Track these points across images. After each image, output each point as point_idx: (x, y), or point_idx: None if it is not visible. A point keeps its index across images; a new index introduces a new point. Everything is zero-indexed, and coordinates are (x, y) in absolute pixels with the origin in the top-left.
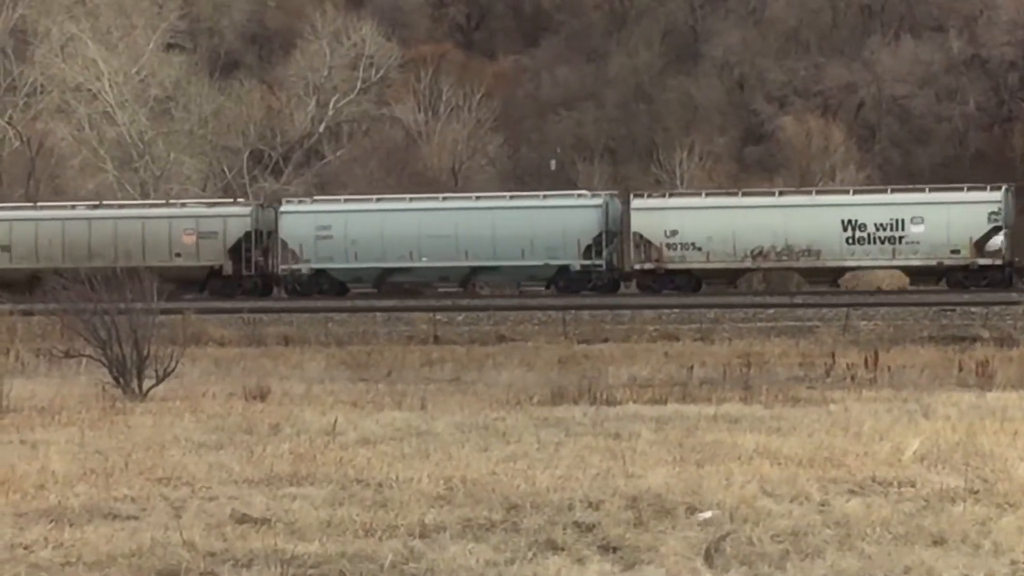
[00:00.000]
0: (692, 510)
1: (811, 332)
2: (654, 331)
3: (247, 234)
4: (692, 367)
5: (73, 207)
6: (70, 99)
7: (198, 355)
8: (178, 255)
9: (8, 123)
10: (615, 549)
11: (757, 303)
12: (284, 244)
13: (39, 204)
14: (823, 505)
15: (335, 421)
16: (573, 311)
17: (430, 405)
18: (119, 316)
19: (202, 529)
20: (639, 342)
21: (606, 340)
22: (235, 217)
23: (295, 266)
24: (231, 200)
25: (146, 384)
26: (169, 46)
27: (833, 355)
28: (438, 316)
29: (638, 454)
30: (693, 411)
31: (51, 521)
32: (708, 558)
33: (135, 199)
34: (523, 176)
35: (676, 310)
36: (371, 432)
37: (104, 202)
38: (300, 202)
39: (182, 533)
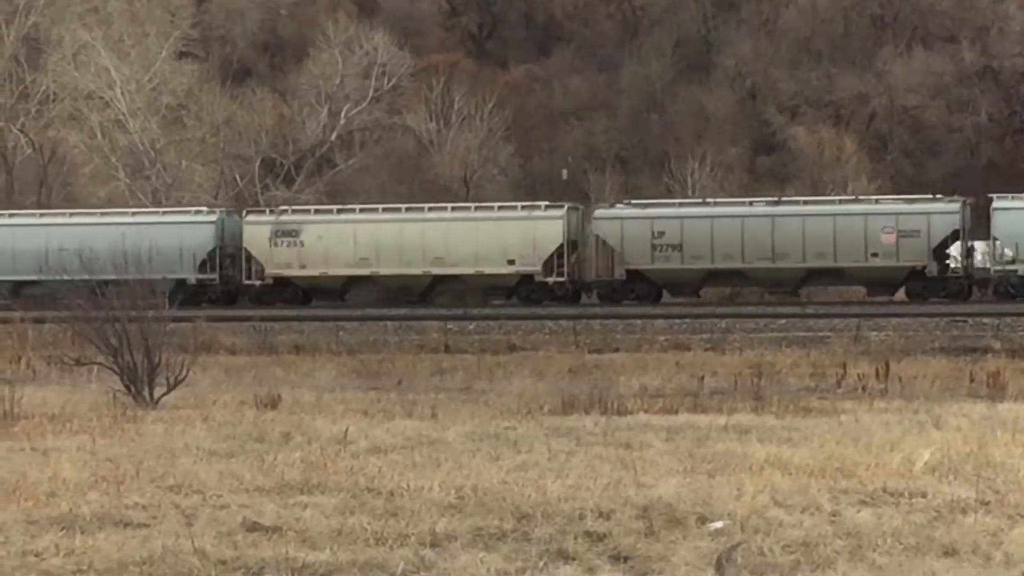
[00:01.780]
0: (703, 520)
1: (822, 342)
2: (665, 341)
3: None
4: (703, 377)
5: (751, 204)
6: (82, 107)
7: (209, 363)
8: (875, 255)
9: (20, 130)
10: (626, 559)
11: (768, 313)
12: None
13: (712, 201)
14: (834, 515)
15: (346, 430)
16: (584, 320)
17: (441, 414)
18: (130, 324)
19: (213, 537)
20: (650, 352)
21: (617, 350)
22: (941, 214)
23: None
24: (930, 197)
25: (157, 392)
26: (181, 54)
27: (844, 365)
28: (449, 325)
29: (649, 464)
30: (704, 421)
31: (62, 529)
32: (719, 568)
33: (147, 207)
34: (534, 185)
35: (687, 320)
36: (382, 441)
37: (784, 198)
38: None
39: (193, 541)
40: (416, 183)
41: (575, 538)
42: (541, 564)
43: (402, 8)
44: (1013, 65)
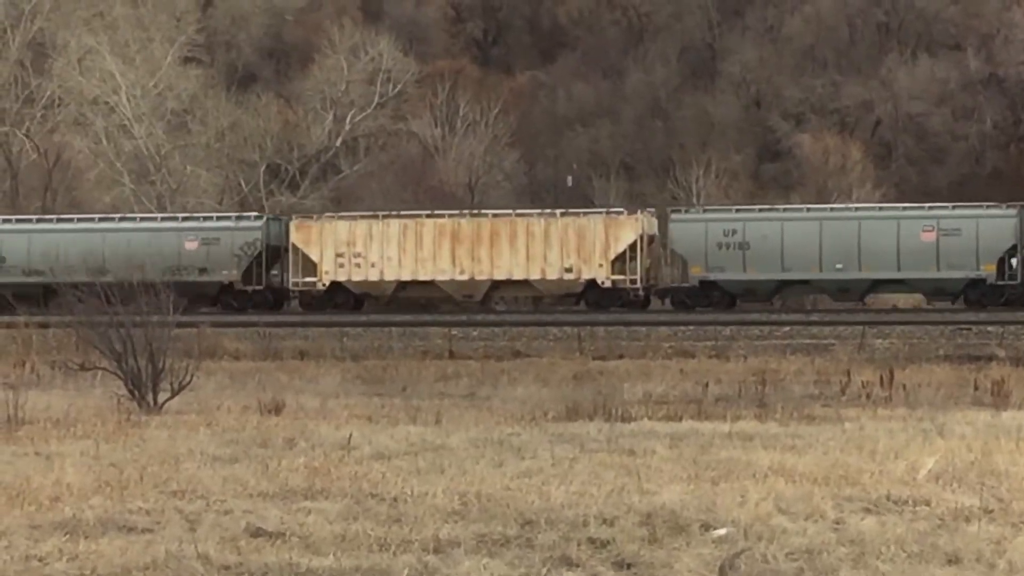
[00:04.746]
0: (707, 527)
1: (826, 350)
2: (669, 348)
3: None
4: (707, 384)
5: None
6: (87, 112)
7: (213, 368)
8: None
9: (25, 135)
10: (629, 566)
11: (773, 320)
12: None
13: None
14: (838, 523)
15: (350, 435)
16: (588, 327)
17: (445, 420)
18: (134, 329)
19: (217, 542)
20: (654, 359)
21: (621, 356)
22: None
23: None
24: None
25: (161, 397)
26: (186, 59)
27: (848, 373)
28: (454, 331)
29: (653, 471)
30: (708, 428)
31: (66, 533)
32: (722, 575)
33: (151, 212)
34: (539, 192)
35: (691, 327)
36: (386, 447)
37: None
38: None
39: (197, 546)
40: (421, 189)
41: (578, 545)
42: (544, 571)
43: (407, 14)
44: (1018, 73)
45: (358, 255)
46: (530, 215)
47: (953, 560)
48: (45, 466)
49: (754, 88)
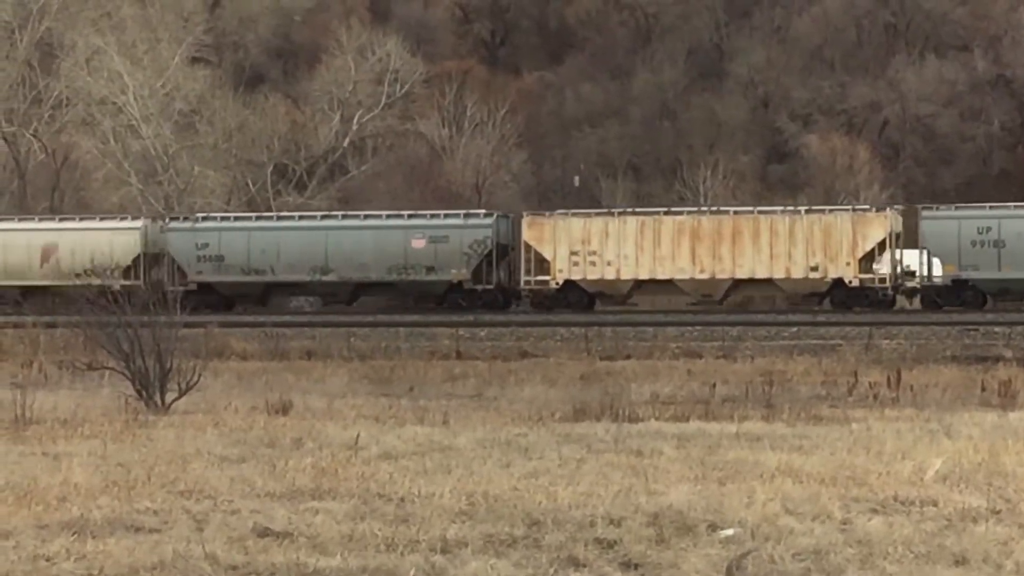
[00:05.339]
0: (714, 528)
1: (834, 350)
2: (676, 348)
3: None
4: (714, 384)
5: None
6: (95, 112)
7: (221, 369)
8: None
9: (33, 135)
10: (636, 566)
11: (780, 321)
12: None
13: None
14: (845, 524)
15: (357, 436)
16: (596, 328)
17: (452, 420)
18: (142, 329)
19: (224, 542)
20: (661, 359)
21: (628, 357)
22: None
23: None
24: None
25: (169, 397)
26: (194, 60)
27: (856, 374)
28: (461, 332)
29: (660, 471)
30: (715, 428)
31: (73, 533)
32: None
33: (161, 212)
34: (546, 192)
35: (699, 327)
36: (393, 447)
37: None
38: None
39: (204, 546)
40: (428, 189)
41: (585, 545)
42: (551, 571)
43: (415, 15)
44: None
45: (593, 253)
46: (773, 212)
47: (960, 561)
48: (52, 466)
49: (762, 89)
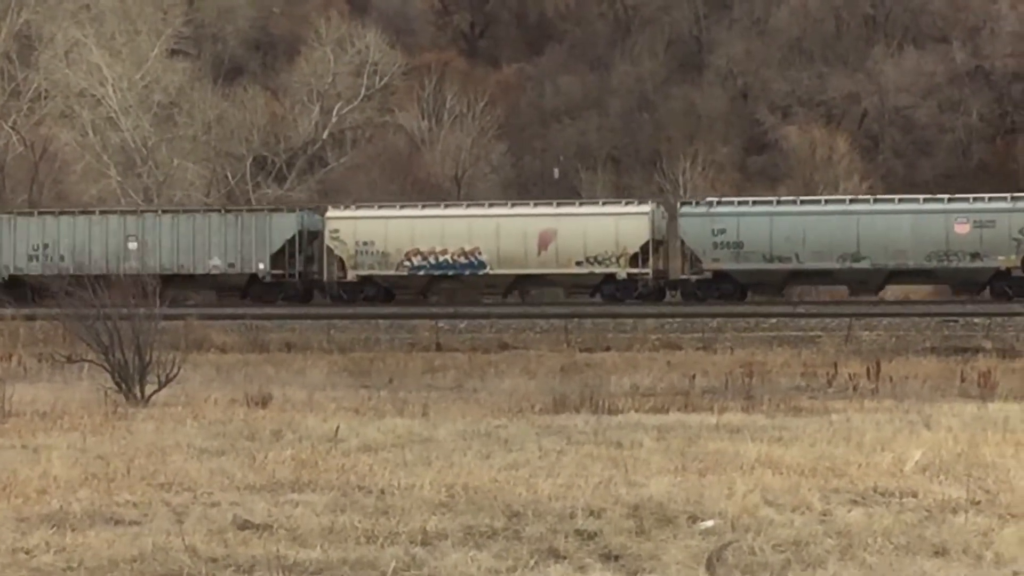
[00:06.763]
0: (694, 519)
1: (813, 342)
2: (656, 340)
3: None
4: (694, 376)
5: None
6: (74, 104)
7: (200, 361)
8: None
9: (12, 128)
10: (617, 557)
11: (760, 312)
12: None
13: None
14: (825, 515)
15: (337, 428)
16: (576, 319)
17: (432, 412)
18: (121, 321)
19: (204, 535)
20: (641, 351)
21: (608, 348)
22: None
23: None
24: None
25: (148, 389)
26: (173, 52)
27: (835, 365)
28: (440, 323)
29: (640, 463)
30: (695, 420)
31: (53, 526)
32: (710, 567)
33: (139, 205)
34: (526, 184)
35: (678, 319)
36: (373, 439)
37: None
38: None
39: (184, 539)
40: (408, 181)
41: (566, 537)
42: (532, 563)
43: (394, 6)
44: (1004, 65)
45: None
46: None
47: (940, 552)
48: (32, 459)
49: (741, 80)
